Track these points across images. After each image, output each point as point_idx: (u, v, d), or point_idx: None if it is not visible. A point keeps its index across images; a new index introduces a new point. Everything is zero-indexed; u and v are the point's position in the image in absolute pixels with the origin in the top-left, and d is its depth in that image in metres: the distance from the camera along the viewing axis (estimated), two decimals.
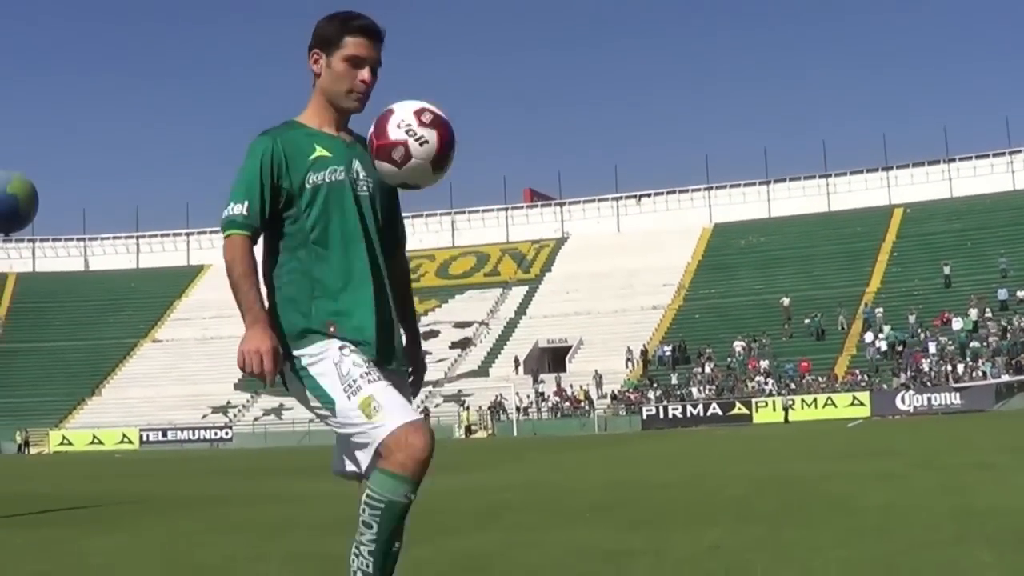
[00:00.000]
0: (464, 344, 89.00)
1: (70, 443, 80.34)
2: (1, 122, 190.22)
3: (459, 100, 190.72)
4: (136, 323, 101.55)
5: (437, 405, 78.02)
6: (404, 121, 4.16)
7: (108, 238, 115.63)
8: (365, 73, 4.29)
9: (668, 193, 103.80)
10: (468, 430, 71.63)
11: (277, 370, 4.09)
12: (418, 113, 4.18)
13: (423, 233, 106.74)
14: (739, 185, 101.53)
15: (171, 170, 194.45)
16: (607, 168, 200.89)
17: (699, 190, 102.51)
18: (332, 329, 4.18)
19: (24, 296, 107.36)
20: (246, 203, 4.16)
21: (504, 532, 9.66)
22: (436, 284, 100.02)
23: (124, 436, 79.41)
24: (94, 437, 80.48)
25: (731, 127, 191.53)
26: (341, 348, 4.15)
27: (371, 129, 4.27)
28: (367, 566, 4.01)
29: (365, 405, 4.04)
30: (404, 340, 4.48)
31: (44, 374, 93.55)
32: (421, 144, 4.14)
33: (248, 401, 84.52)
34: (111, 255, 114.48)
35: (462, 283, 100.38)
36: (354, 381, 4.07)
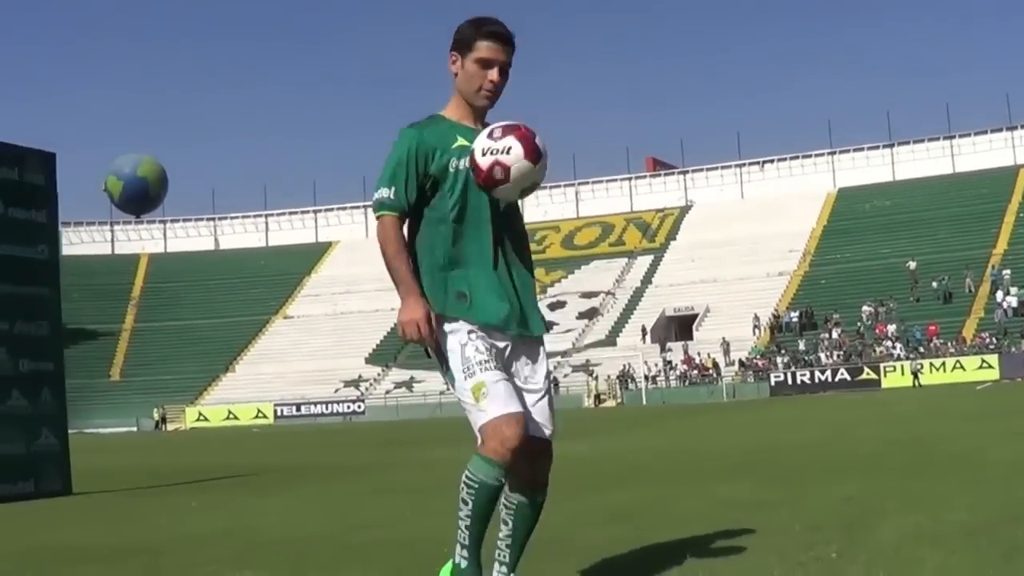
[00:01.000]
0: (591, 314, 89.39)
1: (206, 419, 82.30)
2: (131, 105, 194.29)
3: (579, 70, 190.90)
4: (267, 300, 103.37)
5: (566, 375, 78.57)
6: (484, 148, 4.59)
7: (237, 217, 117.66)
8: (494, 73, 4.71)
9: (791, 158, 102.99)
10: (597, 399, 72.06)
11: (435, 335, 4.62)
12: (489, 134, 4.63)
13: (547, 204, 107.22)
14: (862, 149, 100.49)
15: (297, 148, 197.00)
16: (729, 135, 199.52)
17: (822, 155, 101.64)
18: (463, 301, 4.63)
19: (157, 276, 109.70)
20: (393, 188, 4.60)
21: (649, 488, 10.29)
22: (562, 255, 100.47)
23: (259, 411, 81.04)
24: (229, 412, 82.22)
25: (853, 90, 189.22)
26: (470, 332, 4.60)
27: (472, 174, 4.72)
28: (464, 539, 4.53)
29: (476, 389, 4.49)
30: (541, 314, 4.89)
31: (178, 352, 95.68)
32: (508, 152, 4.55)
33: (379, 375, 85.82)
34: (240, 234, 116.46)
35: (588, 253, 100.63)
36: (472, 366, 4.53)
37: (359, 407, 79.92)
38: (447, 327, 4.64)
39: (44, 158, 13.98)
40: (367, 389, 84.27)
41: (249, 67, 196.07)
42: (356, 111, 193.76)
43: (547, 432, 4.73)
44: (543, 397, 4.73)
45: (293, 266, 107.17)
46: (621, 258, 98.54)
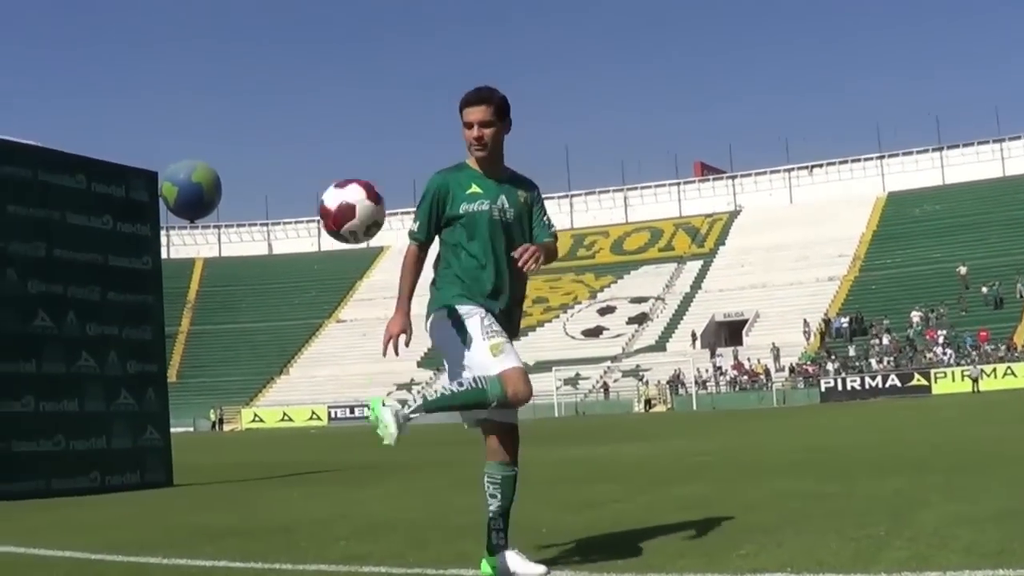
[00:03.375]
0: (641, 319, 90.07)
1: (261, 420, 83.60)
2: (185, 112, 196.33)
3: (627, 75, 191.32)
4: (320, 304, 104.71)
5: (616, 380, 79.42)
6: (331, 195, 5.88)
7: (290, 222, 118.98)
8: (474, 131, 5.88)
9: (840, 163, 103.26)
10: (648, 404, 72.67)
11: (395, 346, 5.72)
12: (335, 185, 5.90)
13: (596, 210, 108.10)
14: (912, 152, 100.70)
15: (348, 156, 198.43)
16: (778, 139, 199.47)
17: (872, 159, 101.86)
18: (476, 295, 5.83)
19: (211, 280, 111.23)
20: (419, 223, 5.89)
21: (712, 483, 11.19)
22: (611, 260, 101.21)
23: (313, 413, 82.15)
24: (284, 414, 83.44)
25: (901, 93, 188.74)
26: (486, 313, 5.78)
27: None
28: (439, 393, 5.74)
29: (495, 348, 5.67)
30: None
31: (234, 355, 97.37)
32: (353, 195, 5.87)
33: (431, 378, 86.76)
34: (293, 239, 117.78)
35: (637, 259, 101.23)
36: (493, 332, 5.72)
37: None
38: (462, 309, 5.81)
39: (147, 176, 15.07)
40: (419, 392, 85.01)
41: (301, 73, 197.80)
42: (403, 121, 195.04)
43: (515, 418, 5.96)
44: None
45: (345, 270, 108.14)
46: (670, 263, 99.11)
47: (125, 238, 14.75)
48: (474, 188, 5.88)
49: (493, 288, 5.84)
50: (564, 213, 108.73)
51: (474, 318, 5.75)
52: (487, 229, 5.85)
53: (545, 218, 6.16)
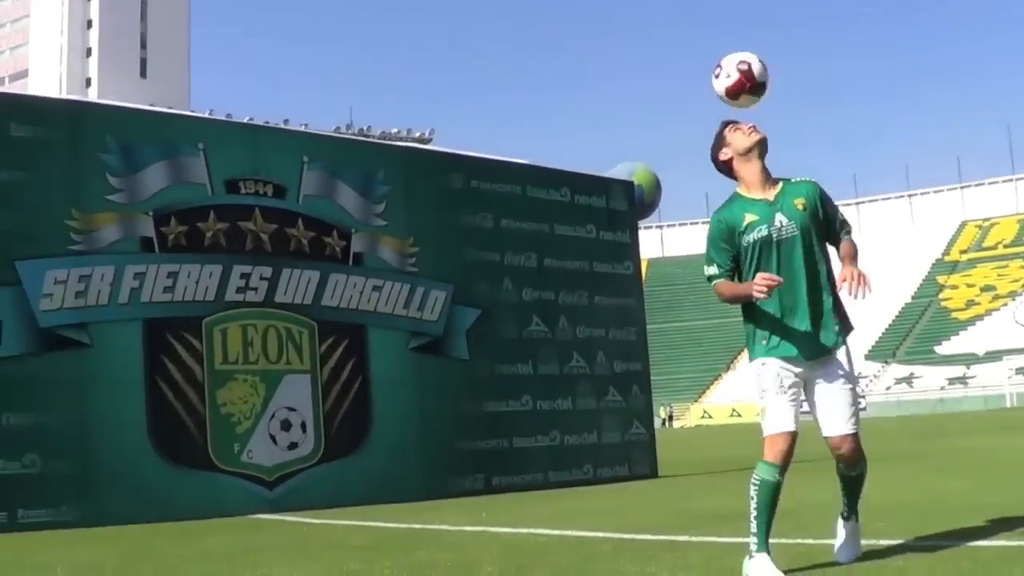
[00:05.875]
0: None
1: (710, 416, 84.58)
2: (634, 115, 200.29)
3: None
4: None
5: None
6: (733, 59, 5.90)
7: None
8: (746, 125, 5.94)
9: None
10: None
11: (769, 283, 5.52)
12: (741, 61, 5.88)
13: None
14: None
15: (781, 147, 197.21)
16: None
17: None
18: (765, 343, 5.76)
19: (656, 279, 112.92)
20: (714, 266, 5.85)
21: None
22: None
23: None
24: (733, 410, 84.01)
25: None
26: (764, 364, 5.72)
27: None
28: (754, 528, 5.54)
29: (762, 411, 5.68)
30: (837, 327, 5.84)
31: (681, 352, 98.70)
32: (727, 77, 5.88)
33: (879, 371, 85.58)
34: None
35: None
36: (764, 391, 5.68)
37: (860, 404, 79.77)
38: (757, 361, 5.80)
39: (625, 186, 16.01)
40: (868, 385, 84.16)
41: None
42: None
43: (846, 429, 5.81)
44: (840, 398, 5.82)
45: None
46: None
47: (608, 245, 15.80)
48: (749, 218, 5.80)
49: (787, 326, 5.73)
50: (1008, 197, 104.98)
51: (760, 371, 5.79)
52: (770, 257, 5.75)
53: (839, 216, 5.95)
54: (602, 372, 15.39)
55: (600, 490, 13.73)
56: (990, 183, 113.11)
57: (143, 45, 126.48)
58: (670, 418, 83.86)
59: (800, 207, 5.79)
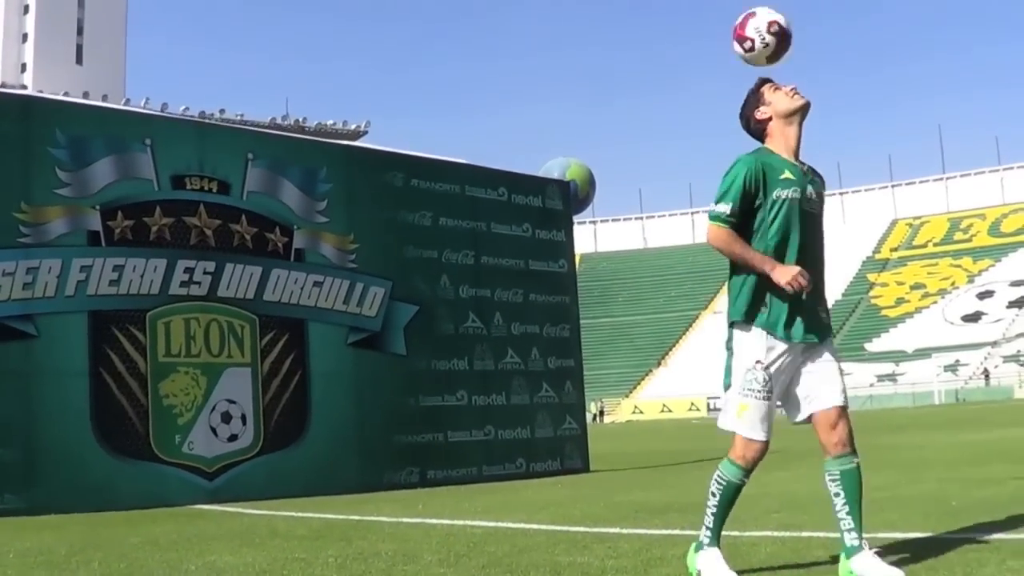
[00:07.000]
0: (1021, 303, 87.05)
1: (641, 412, 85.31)
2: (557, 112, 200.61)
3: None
4: (697, 296, 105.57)
5: (996, 366, 77.20)
6: (758, 27, 5.57)
7: (664, 215, 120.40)
8: (789, 86, 5.62)
9: None
10: None
11: (802, 281, 5.24)
12: (770, 24, 5.55)
13: (972, 192, 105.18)
14: None
15: (720, 144, 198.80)
16: None
17: None
18: (765, 312, 5.37)
19: (589, 275, 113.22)
20: (730, 205, 5.34)
21: None
22: (989, 243, 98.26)
23: (692, 404, 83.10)
24: (663, 406, 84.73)
25: None
26: (758, 363, 5.32)
27: (737, 20, 5.76)
28: (709, 522, 5.43)
29: (741, 409, 5.32)
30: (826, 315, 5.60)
31: (611, 348, 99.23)
32: (765, 46, 5.55)
33: None
34: (668, 231, 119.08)
35: (1016, 240, 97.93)
36: (749, 391, 5.31)
37: None
38: (741, 339, 5.43)
39: (561, 186, 16.33)
40: None
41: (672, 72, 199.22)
42: None
43: (841, 400, 5.41)
44: (833, 371, 5.46)
45: (722, 261, 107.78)
46: None
47: (544, 244, 16.16)
48: (787, 174, 5.40)
49: (788, 301, 5.35)
50: (939, 196, 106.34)
51: (744, 359, 5.39)
52: (795, 221, 5.38)
53: None
54: (536, 368, 15.76)
55: (533, 484, 14.07)
56: (921, 182, 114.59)
57: (80, 32, 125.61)
58: (601, 413, 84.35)
59: (821, 194, 5.61)
